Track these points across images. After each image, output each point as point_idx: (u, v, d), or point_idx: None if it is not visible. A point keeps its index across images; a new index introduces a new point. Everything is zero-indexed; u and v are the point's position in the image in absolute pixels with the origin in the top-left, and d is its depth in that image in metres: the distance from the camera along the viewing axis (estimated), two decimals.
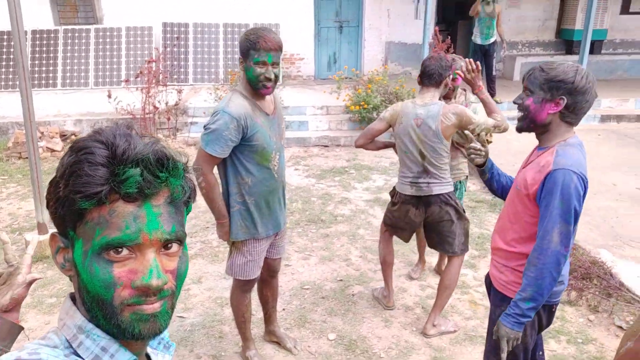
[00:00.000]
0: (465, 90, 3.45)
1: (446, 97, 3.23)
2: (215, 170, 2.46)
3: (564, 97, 1.77)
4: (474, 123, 2.83)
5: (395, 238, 3.37)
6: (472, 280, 3.77)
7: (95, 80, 9.13)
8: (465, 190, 3.55)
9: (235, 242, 2.58)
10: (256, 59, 2.26)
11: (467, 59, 2.99)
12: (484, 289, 3.64)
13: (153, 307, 0.72)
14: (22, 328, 1.04)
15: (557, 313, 3.26)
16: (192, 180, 0.79)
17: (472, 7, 8.28)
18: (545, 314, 1.99)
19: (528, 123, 1.88)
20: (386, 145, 3.24)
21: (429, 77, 2.92)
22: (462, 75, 2.96)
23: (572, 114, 1.80)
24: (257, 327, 3.16)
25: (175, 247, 0.75)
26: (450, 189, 3.04)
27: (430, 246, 3.26)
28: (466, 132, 2.44)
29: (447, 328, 3.16)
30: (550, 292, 1.81)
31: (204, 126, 2.38)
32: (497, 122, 2.91)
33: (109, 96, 6.85)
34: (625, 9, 10.85)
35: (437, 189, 2.98)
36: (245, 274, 2.63)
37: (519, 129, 1.93)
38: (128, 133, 0.73)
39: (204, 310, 3.40)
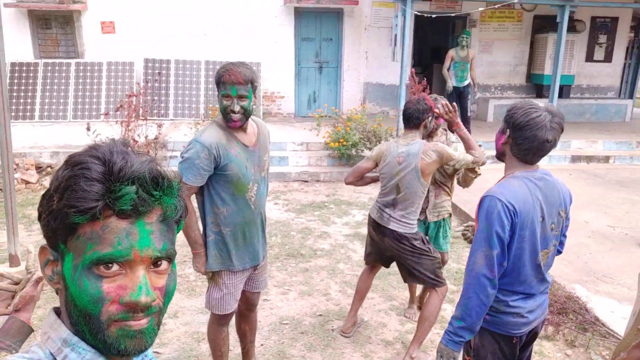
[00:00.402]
0: (446, 130, 3.53)
1: (429, 136, 3.32)
2: (194, 199, 2.46)
3: (508, 129, 1.90)
4: (454, 159, 2.95)
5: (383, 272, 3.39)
6: (450, 315, 3.77)
7: (74, 113, 9.08)
8: (449, 228, 3.55)
9: (211, 274, 2.55)
10: (222, 91, 2.32)
11: (443, 102, 3.11)
12: None
13: (140, 323, 0.72)
14: (33, 330, 1.02)
15: (536, 348, 3.30)
16: (183, 199, 0.80)
17: (445, 57, 8.71)
18: (506, 345, 2.00)
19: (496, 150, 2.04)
20: (373, 180, 3.34)
21: (407, 120, 3.06)
22: (439, 114, 3.08)
23: (516, 147, 1.89)
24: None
25: (165, 264, 0.76)
26: (408, 231, 3.06)
27: (404, 280, 3.34)
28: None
29: None
30: (481, 315, 1.87)
31: (180, 155, 2.40)
32: (475, 157, 3.02)
33: (88, 129, 6.80)
34: (589, 57, 11.45)
35: (393, 225, 3.08)
36: (221, 307, 2.59)
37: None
38: (125, 150, 0.74)
39: (180, 345, 3.31)
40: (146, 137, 6.99)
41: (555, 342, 3.45)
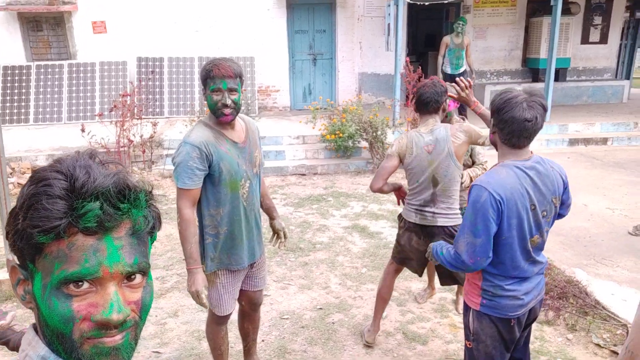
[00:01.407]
0: (463, 118, 3.43)
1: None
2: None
3: (492, 118, 1.96)
4: (482, 136, 2.80)
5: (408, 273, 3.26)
6: (451, 304, 3.77)
7: (68, 115, 9.05)
8: None
9: (208, 275, 2.51)
10: (212, 86, 2.28)
11: (458, 77, 2.96)
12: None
13: (114, 339, 0.71)
14: None
15: (537, 333, 3.30)
16: (156, 209, 0.78)
17: (440, 45, 8.62)
18: (504, 327, 2.04)
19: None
20: (394, 188, 3.05)
21: (425, 105, 2.87)
22: (456, 95, 2.90)
23: (501, 133, 1.92)
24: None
25: (138, 278, 0.73)
26: (458, 221, 2.89)
27: (442, 283, 3.14)
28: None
29: None
30: (444, 265, 2.09)
31: (172, 161, 2.36)
32: (482, 138, 2.85)
33: (83, 130, 6.77)
34: (585, 39, 11.38)
35: (441, 221, 2.88)
36: (221, 307, 2.56)
37: None
38: (88, 164, 0.71)
39: (180, 344, 3.31)
40: (141, 136, 6.96)
41: (556, 327, 3.45)
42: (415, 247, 2.99)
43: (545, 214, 1.96)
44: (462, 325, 3.42)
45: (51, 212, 0.67)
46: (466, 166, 3.31)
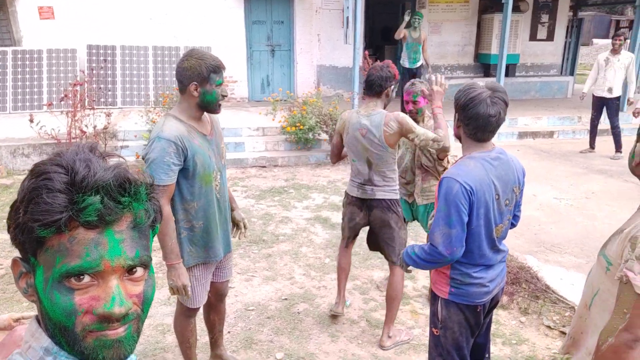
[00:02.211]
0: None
1: (414, 120, 3.21)
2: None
3: (456, 113, 2.03)
4: (414, 132, 2.87)
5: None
6: (411, 291, 3.90)
7: (14, 104, 8.60)
8: None
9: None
10: (218, 81, 2.31)
11: (436, 74, 3.03)
12: (423, 299, 3.79)
13: (117, 332, 0.71)
14: None
15: (493, 317, 3.46)
16: (157, 202, 0.78)
17: (397, 31, 8.72)
18: (471, 314, 2.13)
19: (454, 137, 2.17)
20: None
21: (369, 87, 2.97)
22: (428, 91, 2.99)
23: (467, 128, 1.99)
24: (202, 352, 3.07)
25: (140, 271, 0.74)
26: (395, 196, 3.11)
27: (372, 249, 3.39)
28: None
29: (401, 338, 3.24)
30: (418, 264, 2.11)
31: (143, 158, 2.31)
32: (436, 136, 2.89)
33: (31, 121, 6.47)
34: (533, 36, 11.87)
35: (380, 194, 3.08)
36: (194, 300, 2.55)
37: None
38: (88, 157, 0.71)
39: (144, 338, 3.26)
40: (94, 127, 6.73)
41: (510, 311, 3.63)
42: (356, 221, 3.23)
43: (507, 202, 2.05)
44: (422, 312, 3.58)
45: (52, 206, 0.66)
46: (426, 166, 3.41)
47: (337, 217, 5.33)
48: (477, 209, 1.95)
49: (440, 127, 2.93)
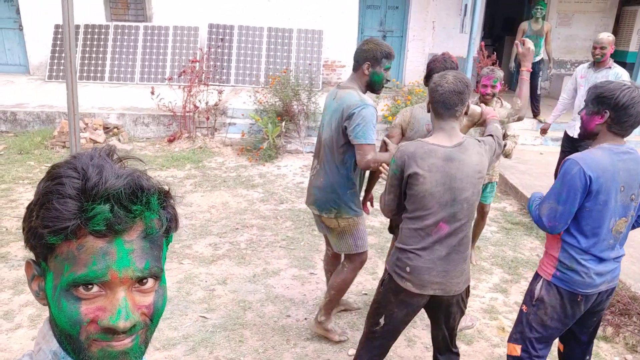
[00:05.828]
0: (499, 98, 3.62)
1: (484, 103, 3.36)
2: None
3: (607, 110, 2.04)
4: (477, 114, 2.69)
5: None
6: (502, 306, 3.64)
7: (140, 76, 9.39)
8: (494, 192, 3.95)
9: (357, 219, 2.87)
10: (387, 66, 2.71)
11: (525, 39, 3.03)
12: (513, 315, 3.52)
13: (123, 343, 0.69)
14: None
15: (592, 349, 3.12)
16: (172, 210, 0.75)
17: (517, 30, 8.10)
18: (569, 301, 2.16)
19: (582, 131, 2.19)
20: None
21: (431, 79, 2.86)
22: (523, 50, 2.95)
23: (617, 125, 2.05)
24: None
25: (150, 282, 0.71)
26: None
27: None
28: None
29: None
30: (533, 218, 2.19)
31: (352, 126, 2.60)
32: (510, 111, 3.01)
33: (152, 92, 7.02)
34: None
35: None
36: (365, 245, 2.95)
37: (578, 136, 2.33)
38: (102, 163, 0.69)
39: (226, 312, 3.40)
40: (207, 103, 7.12)
41: (614, 345, 3.25)
42: None
43: (633, 197, 2.09)
44: (509, 330, 3.31)
45: (61, 213, 0.65)
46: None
47: None
48: (595, 194, 2.02)
49: (522, 96, 2.97)
